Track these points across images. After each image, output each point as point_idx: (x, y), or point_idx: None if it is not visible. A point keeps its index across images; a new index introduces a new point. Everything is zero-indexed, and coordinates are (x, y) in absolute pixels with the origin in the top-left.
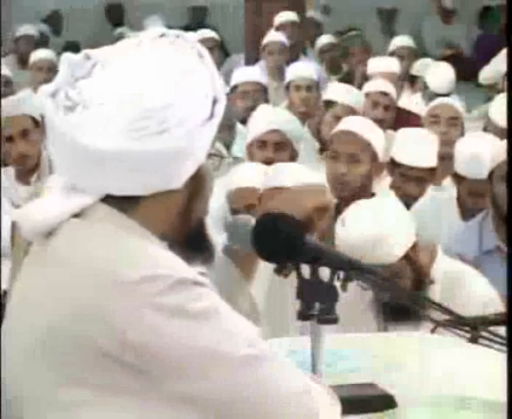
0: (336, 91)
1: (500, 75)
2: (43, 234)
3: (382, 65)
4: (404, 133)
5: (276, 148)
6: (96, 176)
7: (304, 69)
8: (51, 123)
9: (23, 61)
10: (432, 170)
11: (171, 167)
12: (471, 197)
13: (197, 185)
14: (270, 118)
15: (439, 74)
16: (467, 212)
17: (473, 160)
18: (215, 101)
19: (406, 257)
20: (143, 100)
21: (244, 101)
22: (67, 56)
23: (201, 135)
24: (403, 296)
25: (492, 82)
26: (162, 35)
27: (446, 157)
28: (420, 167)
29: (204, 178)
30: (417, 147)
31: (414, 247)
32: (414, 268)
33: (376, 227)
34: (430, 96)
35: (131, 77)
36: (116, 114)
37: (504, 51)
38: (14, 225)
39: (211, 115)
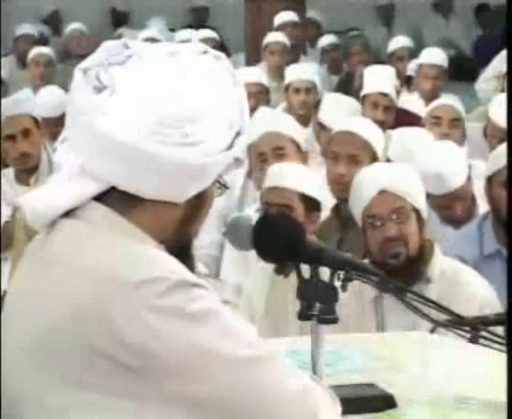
0: (329, 113)
1: (495, 86)
2: (46, 223)
3: (377, 84)
4: (401, 133)
5: None
6: (106, 164)
7: (303, 71)
8: (75, 99)
9: (22, 61)
10: None
11: (180, 181)
12: (439, 209)
13: (198, 205)
14: (268, 120)
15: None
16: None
17: (435, 178)
18: (238, 133)
19: (417, 211)
20: (174, 108)
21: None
22: (107, 42)
23: (217, 162)
24: (404, 295)
25: (486, 95)
26: (205, 52)
27: None
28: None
29: (206, 200)
30: (412, 146)
31: (422, 222)
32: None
33: None
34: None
35: (166, 81)
36: (143, 111)
37: (497, 57)
38: (13, 224)
39: (231, 146)
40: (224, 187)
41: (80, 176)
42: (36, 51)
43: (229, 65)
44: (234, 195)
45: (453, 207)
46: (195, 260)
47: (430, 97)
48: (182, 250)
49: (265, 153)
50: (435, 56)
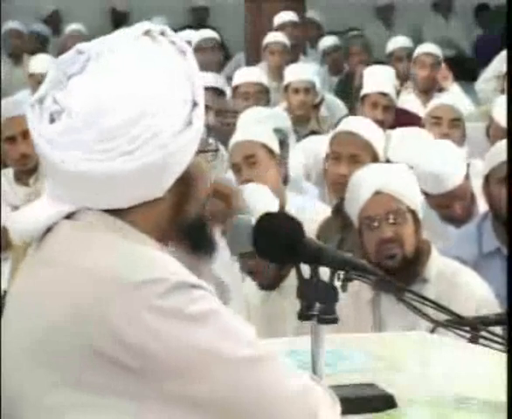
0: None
1: (494, 86)
2: (32, 238)
3: (377, 84)
4: (401, 133)
5: None
6: (73, 192)
7: (302, 71)
8: (33, 131)
9: (14, 57)
10: None
11: (150, 179)
12: (438, 209)
13: (187, 186)
14: (237, 130)
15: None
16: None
17: (432, 178)
18: (194, 105)
19: (413, 212)
20: (110, 118)
21: (245, 102)
22: (59, 58)
23: (178, 144)
24: (404, 295)
25: (486, 95)
26: (146, 32)
27: None
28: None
29: (194, 178)
30: (409, 147)
31: (418, 223)
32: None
33: None
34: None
35: (99, 90)
36: (85, 134)
37: (497, 57)
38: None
39: (190, 122)
40: (215, 150)
41: (56, 198)
42: (37, 67)
43: (175, 38)
44: None
45: (451, 206)
46: (212, 233)
47: (427, 88)
48: (196, 227)
49: (237, 163)
50: (429, 47)
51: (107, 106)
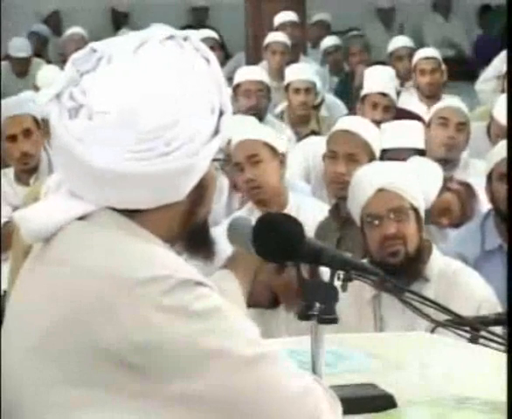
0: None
1: (494, 86)
2: (44, 237)
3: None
4: (390, 123)
5: None
6: (97, 191)
7: (303, 71)
8: (55, 131)
9: (18, 72)
10: (422, 152)
11: (175, 183)
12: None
13: (200, 192)
14: (239, 129)
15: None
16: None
17: None
18: (221, 113)
19: (415, 210)
20: (148, 120)
21: (246, 100)
22: (73, 55)
23: (206, 151)
24: (404, 295)
25: (486, 95)
26: (170, 37)
27: (450, 161)
28: (407, 147)
29: (208, 184)
30: (402, 131)
31: (421, 221)
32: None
33: None
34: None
35: (135, 91)
36: (120, 133)
37: (497, 58)
38: (13, 224)
39: (217, 131)
40: (224, 160)
41: (73, 195)
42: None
43: (198, 44)
44: (222, 198)
45: (439, 222)
46: (213, 237)
47: (430, 94)
48: (199, 231)
49: (240, 162)
50: (427, 51)
51: (144, 107)
